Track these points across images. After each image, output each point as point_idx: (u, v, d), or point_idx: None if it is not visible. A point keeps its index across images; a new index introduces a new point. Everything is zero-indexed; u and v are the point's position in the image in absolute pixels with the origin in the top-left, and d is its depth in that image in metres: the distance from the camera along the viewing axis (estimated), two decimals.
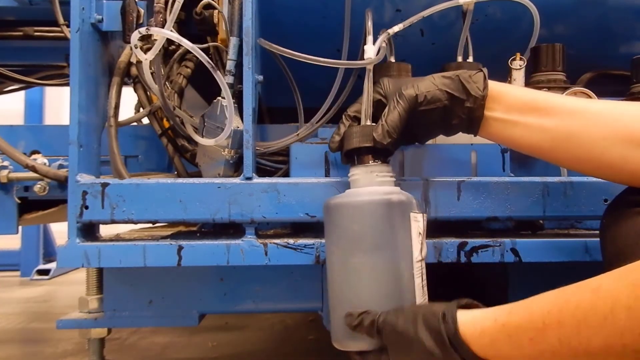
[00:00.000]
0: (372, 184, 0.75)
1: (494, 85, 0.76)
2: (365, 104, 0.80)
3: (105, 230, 0.98)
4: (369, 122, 0.79)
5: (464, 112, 0.77)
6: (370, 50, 0.84)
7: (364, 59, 0.84)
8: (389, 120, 0.75)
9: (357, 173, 0.76)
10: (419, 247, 0.73)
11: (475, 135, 0.80)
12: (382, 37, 0.85)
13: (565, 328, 0.55)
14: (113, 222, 0.86)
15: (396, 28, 0.87)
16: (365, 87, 0.81)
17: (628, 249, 0.65)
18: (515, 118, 0.75)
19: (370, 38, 0.85)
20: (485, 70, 0.77)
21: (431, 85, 0.77)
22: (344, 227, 0.72)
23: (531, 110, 0.74)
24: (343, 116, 0.82)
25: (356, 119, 0.81)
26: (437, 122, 0.79)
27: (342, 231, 0.73)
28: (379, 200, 0.72)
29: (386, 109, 0.77)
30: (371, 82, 0.81)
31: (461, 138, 0.97)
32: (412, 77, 0.80)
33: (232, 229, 1.02)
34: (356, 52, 0.93)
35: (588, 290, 0.56)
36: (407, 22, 0.88)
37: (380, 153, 0.77)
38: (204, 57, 0.84)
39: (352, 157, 0.78)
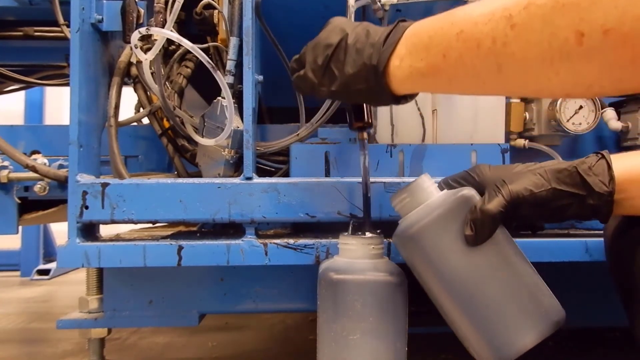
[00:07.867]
0: (366, 256, 0.72)
1: (621, 170, 0.65)
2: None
3: (105, 230, 0.98)
4: None
5: (586, 208, 0.66)
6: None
7: None
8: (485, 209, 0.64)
9: (354, 244, 0.73)
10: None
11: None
12: None
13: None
14: (113, 222, 0.86)
15: None
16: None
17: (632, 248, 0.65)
18: None
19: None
20: (607, 155, 0.66)
21: (541, 182, 0.66)
22: (346, 303, 0.69)
23: None
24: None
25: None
26: (548, 217, 0.69)
27: (343, 307, 0.70)
28: (384, 280, 0.70)
29: (484, 197, 0.66)
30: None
31: (461, 138, 0.97)
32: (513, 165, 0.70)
33: (232, 229, 1.02)
34: None
35: None
36: None
37: None
38: (204, 57, 0.84)
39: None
